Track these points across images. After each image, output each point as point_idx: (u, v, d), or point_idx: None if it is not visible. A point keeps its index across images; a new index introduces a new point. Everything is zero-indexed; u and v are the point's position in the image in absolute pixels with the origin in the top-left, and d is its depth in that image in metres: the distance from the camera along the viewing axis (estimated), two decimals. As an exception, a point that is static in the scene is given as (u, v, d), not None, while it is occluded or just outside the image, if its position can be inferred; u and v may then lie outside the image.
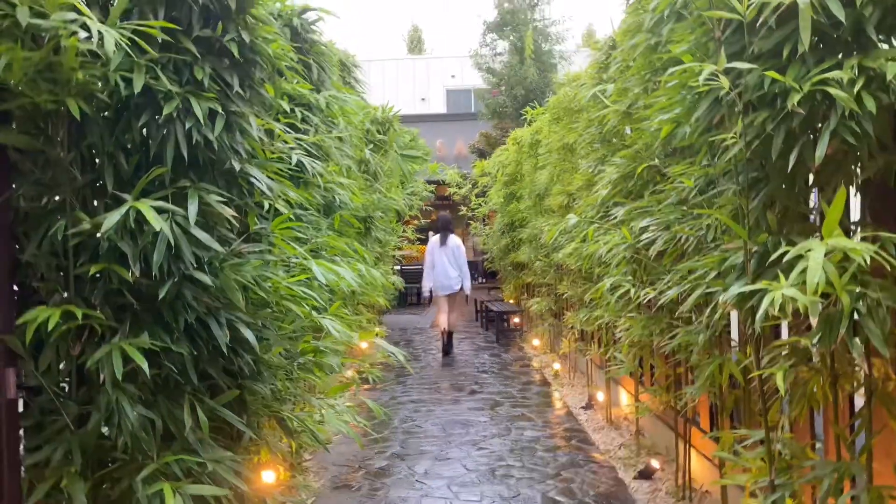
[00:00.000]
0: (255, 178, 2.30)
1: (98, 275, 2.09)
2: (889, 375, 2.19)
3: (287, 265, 2.55)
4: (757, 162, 2.19)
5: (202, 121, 2.07)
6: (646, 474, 4.36)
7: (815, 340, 1.96)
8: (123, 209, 1.96)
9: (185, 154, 2.08)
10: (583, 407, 6.16)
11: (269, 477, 3.30)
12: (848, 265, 1.75)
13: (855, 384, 2.30)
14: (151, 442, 2.17)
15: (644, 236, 3.14)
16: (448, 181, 12.34)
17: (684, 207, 2.96)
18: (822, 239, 1.80)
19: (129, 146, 2.15)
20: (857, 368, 2.21)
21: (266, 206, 2.49)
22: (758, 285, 1.81)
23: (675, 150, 3.18)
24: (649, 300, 3.22)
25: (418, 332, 10.78)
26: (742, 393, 3.03)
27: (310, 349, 2.78)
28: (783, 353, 2.23)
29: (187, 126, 2.07)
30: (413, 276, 14.18)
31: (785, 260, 1.68)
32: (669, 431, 4.65)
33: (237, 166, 2.25)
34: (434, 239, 9.25)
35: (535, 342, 9.01)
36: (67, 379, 2.15)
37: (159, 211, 2.04)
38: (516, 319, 10.38)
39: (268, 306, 2.43)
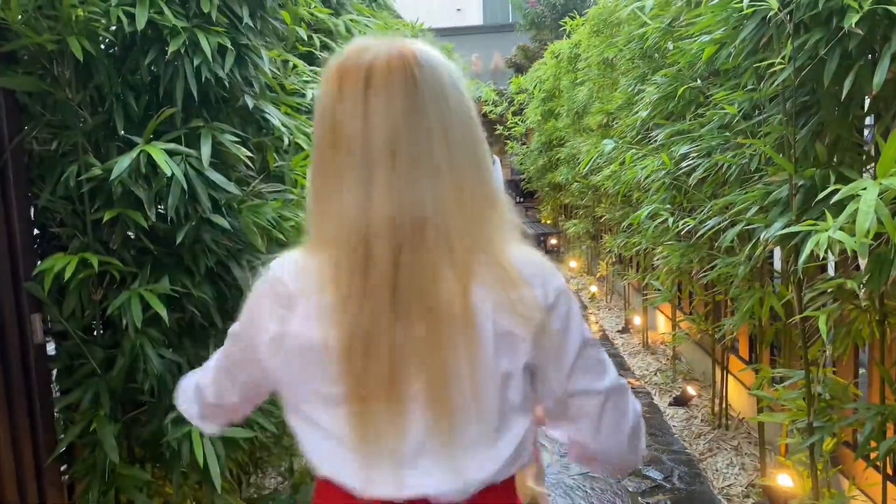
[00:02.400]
0: (270, 114, 2.20)
1: (115, 220, 2.04)
2: (942, 313, 2.06)
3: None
4: (807, 87, 2.02)
5: (210, 57, 1.96)
6: (681, 401, 4.33)
7: (863, 281, 1.83)
8: (134, 153, 1.90)
9: (196, 93, 1.99)
10: (619, 331, 6.11)
11: None
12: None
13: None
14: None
15: (684, 163, 2.98)
16: (484, 99, 12.01)
17: (727, 133, 2.78)
18: (875, 177, 1.66)
19: (137, 86, 2.06)
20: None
21: (286, 141, 2.39)
22: (802, 226, 1.68)
23: (719, 71, 2.97)
24: (688, 229, 3.08)
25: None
26: (783, 326, 2.93)
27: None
28: (827, 291, 2.11)
29: (196, 63, 1.97)
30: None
31: (833, 201, 1.55)
32: (706, 357, 4.58)
33: (251, 103, 2.15)
34: None
35: (573, 264, 8.93)
36: (93, 323, 2.15)
37: (172, 153, 1.97)
38: (553, 241, 10.27)
39: (289, 246, 2.38)
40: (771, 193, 2.07)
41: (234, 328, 1.08)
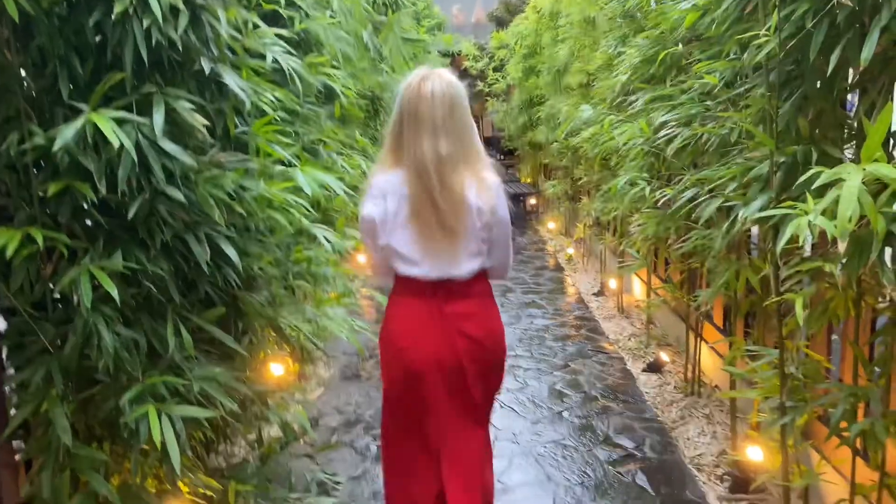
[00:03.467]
0: (227, 79, 2.07)
1: (64, 191, 1.93)
2: (919, 292, 2.02)
3: (270, 173, 2.37)
4: (791, 59, 1.93)
5: (161, 18, 1.83)
6: (654, 367, 4.33)
7: (841, 263, 1.78)
8: (79, 122, 1.78)
9: (146, 56, 1.86)
10: (594, 294, 6.10)
11: (276, 370, 3.30)
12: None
13: (879, 299, 2.15)
14: (136, 362, 2.09)
15: (663, 132, 2.90)
16: (464, 53, 11.77)
17: (708, 102, 2.70)
18: (856, 156, 1.59)
19: (83, 48, 1.92)
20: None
21: (248, 106, 2.27)
22: (782, 209, 1.62)
23: (701, 36, 2.87)
24: (666, 199, 3.02)
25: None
26: (758, 299, 2.89)
27: (303, 258, 2.65)
28: (804, 269, 2.06)
29: (145, 24, 1.84)
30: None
31: (815, 186, 1.48)
32: (681, 323, 4.57)
33: (207, 67, 2.02)
34: None
35: (551, 225, 8.88)
36: (44, 299, 2.05)
37: (122, 121, 1.85)
38: (532, 201, 10.19)
39: (251, 218, 2.27)
40: (751, 169, 2.00)
41: (365, 222, 2.19)
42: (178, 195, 1.97)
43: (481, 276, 2.21)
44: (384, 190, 2.14)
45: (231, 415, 2.41)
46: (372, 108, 5.54)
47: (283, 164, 2.54)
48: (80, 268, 1.89)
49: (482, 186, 2.10)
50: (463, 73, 12.04)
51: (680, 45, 3.07)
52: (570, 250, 7.46)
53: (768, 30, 1.79)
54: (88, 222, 2.01)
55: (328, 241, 2.55)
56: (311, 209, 2.55)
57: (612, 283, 5.91)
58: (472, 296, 2.19)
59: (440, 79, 2.12)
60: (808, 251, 2.11)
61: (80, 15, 1.87)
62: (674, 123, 2.85)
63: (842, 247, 1.69)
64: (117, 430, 2.11)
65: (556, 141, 7.37)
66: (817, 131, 1.94)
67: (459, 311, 2.16)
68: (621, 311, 5.54)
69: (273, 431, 3.50)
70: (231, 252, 2.15)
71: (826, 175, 1.44)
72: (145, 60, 1.87)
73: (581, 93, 5.95)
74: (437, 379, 2.16)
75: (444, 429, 2.20)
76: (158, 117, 1.90)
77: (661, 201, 3.21)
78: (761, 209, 1.90)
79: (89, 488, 2.06)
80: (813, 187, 1.50)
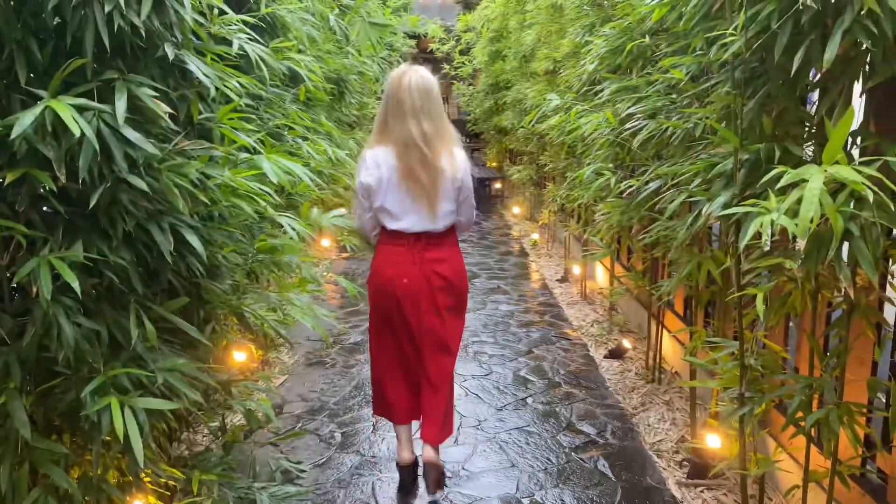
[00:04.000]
0: (192, 65, 2.03)
1: (22, 179, 1.87)
2: (872, 286, 2.09)
3: (235, 161, 2.33)
4: (756, 57, 1.96)
5: (124, 2, 1.78)
6: (617, 353, 4.39)
7: (801, 259, 1.83)
8: (38, 109, 1.73)
9: (108, 41, 1.81)
10: (558, 280, 6.16)
11: (239, 358, 3.27)
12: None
13: (835, 293, 2.21)
14: (97, 354, 2.06)
15: (630, 124, 2.92)
16: (430, 35, 11.68)
17: (673, 95, 2.72)
18: (816, 154, 1.63)
19: (42, 32, 1.87)
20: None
21: (213, 93, 2.23)
22: (744, 208, 1.65)
23: (668, 29, 2.89)
24: (631, 190, 3.05)
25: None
26: (719, 290, 2.95)
27: (267, 247, 2.62)
28: (764, 265, 2.11)
29: (107, 8, 1.79)
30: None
31: (778, 187, 1.51)
32: (642, 310, 4.65)
33: (171, 53, 1.98)
34: None
35: (516, 210, 8.92)
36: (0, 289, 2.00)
37: (82, 109, 1.80)
38: (498, 185, 10.22)
39: (214, 206, 2.24)
40: (715, 165, 2.03)
41: (362, 188, 2.75)
42: (140, 184, 1.93)
43: (451, 230, 2.87)
44: (378, 162, 2.73)
45: (194, 405, 2.39)
46: (337, 90, 5.48)
47: (247, 150, 2.50)
48: (39, 258, 1.84)
49: (454, 159, 2.74)
50: (429, 56, 11.95)
51: (647, 38, 3.10)
52: (535, 236, 7.51)
53: (735, 29, 1.81)
54: (45, 212, 1.96)
55: (293, 229, 2.53)
56: (275, 196, 2.52)
57: (576, 270, 5.97)
58: (445, 245, 2.84)
59: (416, 73, 2.74)
60: (767, 246, 2.16)
61: (38, -2, 1.81)
62: (640, 115, 2.87)
63: (801, 244, 1.73)
64: (78, 423, 2.08)
65: (523, 127, 7.40)
66: (778, 129, 1.98)
67: (435, 257, 2.81)
68: (584, 297, 5.61)
69: (237, 419, 3.48)
70: (195, 242, 2.11)
71: (789, 176, 1.47)
72: (107, 46, 1.82)
73: (547, 80, 5.96)
74: (419, 308, 2.82)
75: (425, 350, 2.87)
76: (120, 104, 1.85)
77: (626, 192, 3.24)
78: (725, 206, 1.93)
79: (49, 481, 2.03)
80: (777, 187, 1.53)
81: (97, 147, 1.76)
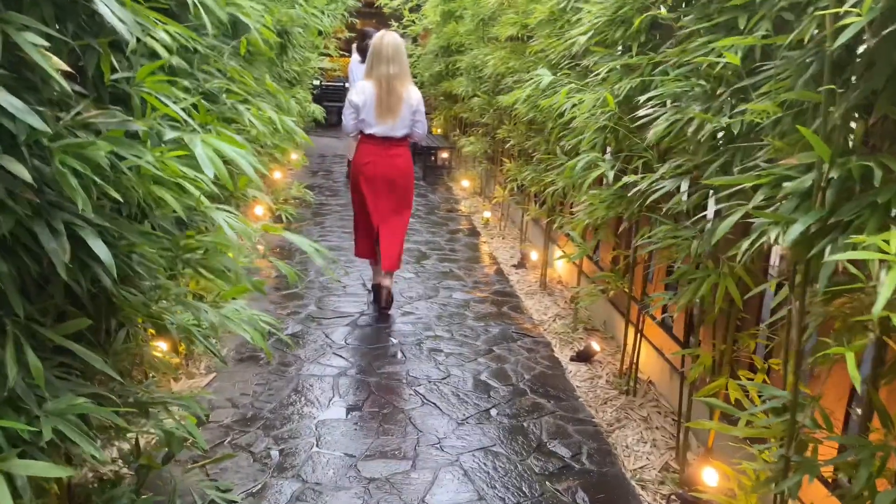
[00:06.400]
0: (101, 5, 1.45)
1: None
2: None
3: (161, 137, 1.77)
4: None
5: None
6: (584, 356, 4.02)
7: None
8: None
9: (-30, -38, 1.23)
10: (514, 265, 5.74)
11: (158, 349, 2.72)
12: None
13: None
14: (-42, 398, 1.50)
15: (643, 112, 2.47)
16: (378, -11, 10.93)
17: (702, 82, 2.28)
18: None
19: None
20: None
21: (133, 44, 1.65)
22: (864, 253, 1.22)
23: (694, 2, 2.45)
24: (638, 189, 2.62)
25: (338, 161, 9.98)
26: (731, 308, 2.58)
27: (194, 246, 2.07)
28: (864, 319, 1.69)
29: (-31, -89, 1.21)
30: (334, 94, 13.10)
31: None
32: (609, 305, 4.29)
33: (71, -14, 1.40)
34: (357, 61, 8.17)
35: (465, 183, 8.43)
36: None
37: (-71, 59, 1.23)
38: (444, 155, 9.70)
39: (128, 195, 1.67)
40: (784, 179, 1.60)
41: (352, 104, 4.42)
42: (21, 171, 1.36)
43: (407, 137, 4.50)
44: (364, 89, 4.41)
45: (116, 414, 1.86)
46: (280, 45, 4.84)
47: (175, 121, 1.93)
48: None
49: (410, 92, 4.43)
50: (375, 11, 11.22)
51: (662, 9, 2.64)
52: (488, 214, 7.06)
53: (855, 6, 1.37)
54: None
55: (232, 227, 1.98)
56: (210, 184, 1.96)
57: (534, 256, 5.57)
58: (401, 147, 4.50)
59: (390, 35, 4.46)
60: (883, 303, 1.75)
61: None
62: (655, 103, 2.43)
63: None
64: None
65: (478, 95, 6.89)
66: (872, 139, 1.56)
67: (395, 153, 4.47)
68: (544, 287, 5.22)
69: (152, 441, 2.94)
70: (101, 249, 1.56)
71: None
72: (-32, -32, 1.24)
73: (513, 47, 5.46)
74: (382, 184, 4.48)
75: (385, 213, 4.53)
76: (-9, 56, 1.28)
77: (617, 185, 2.81)
78: (803, 234, 1.51)
79: None
80: (873, 198, 1.10)
81: (-52, 120, 1.19)
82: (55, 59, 1.37)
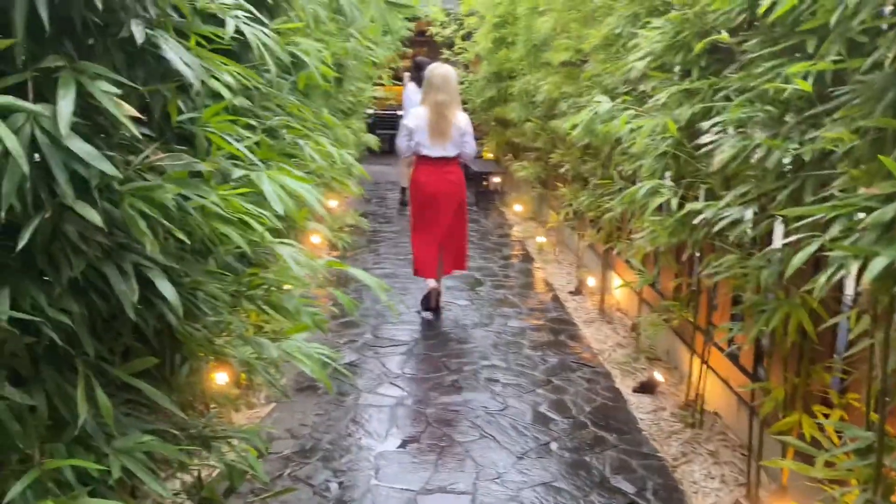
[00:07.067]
0: (168, 51, 1.48)
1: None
2: None
3: (226, 175, 1.79)
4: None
5: (70, -40, 1.24)
6: (647, 388, 3.91)
7: None
8: (-61, 110, 1.19)
9: (47, 16, 1.27)
10: (571, 292, 5.66)
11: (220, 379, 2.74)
12: None
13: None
14: (31, 436, 1.53)
15: (706, 138, 2.41)
16: (431, 18, 11.05)
17: (768, 107, 2.22)
18: None
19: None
20: None
21: (198, 87, 1.68)
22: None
23: (753, 24, 2.39)
24: (702, 218, 2.54)
25: (391, 188, 10.06)
26: (803, 339, 2.47)
27: (258, 282, 2.09)
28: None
29: (47, -31, 1.25)
30: (387, 122, 13.25)
31: None
32: (672, 335, 4.17)
33: (140, 34, 1.44)
34: (412, 90, 8.30)
35: (517, 208, 8.39)
36: None
37: (9, 110, 1.27)
38: (497, 179, 9.68)
39: (193, 236, 1.69)
40: (870, 211, 1.53)
41: (406, 128, 5.08)
42: (92, 215, 1.39)
43: (458, 157, 5.05)
44: (417, 115, 5.02)
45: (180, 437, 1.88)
46: (336, 77, 4.92)
47: (239, 158, 1.96)
48: (-58, 319, 1.31)
49: (459, 116, 4.99)
50: (427, 40, 11.34)
51: (724, 33, 2.58)
52: (541, 239, 7.00)
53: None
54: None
55: (297, 262, 1.99)
56: (275, 220, 1.98)
57: (591, 282, 5.48)
58: (453, 164, 5.05)
59: (442, 67, 5.12)
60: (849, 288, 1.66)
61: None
62: (719, 129, 2.37)
63: None
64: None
65: (531, 120, 6.87)
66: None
67: (448, 170, 5.03)
68: (602, 313, 5.12)
69: (215, 472, 2.96)
70: (167, 289, 1.58)
71: None
72: (45, 22, 1.27)
73: (567, 72, 5.43)
74: (441, 200, 5.00)
75: (446, 222, 5.04)
76: (65, 105, 1.31)
77: (696, 218, 2.73)
78: (889, 266, 1.43)
79: None
80: None
81: (26, 169, 1.22)
82: (125, 105, 1.40)
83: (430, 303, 5.11)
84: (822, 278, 1.61)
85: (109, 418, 1.59)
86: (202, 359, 2.31)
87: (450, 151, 4.94)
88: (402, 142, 5.04)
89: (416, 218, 5.14)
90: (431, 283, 5.10)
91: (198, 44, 1.72)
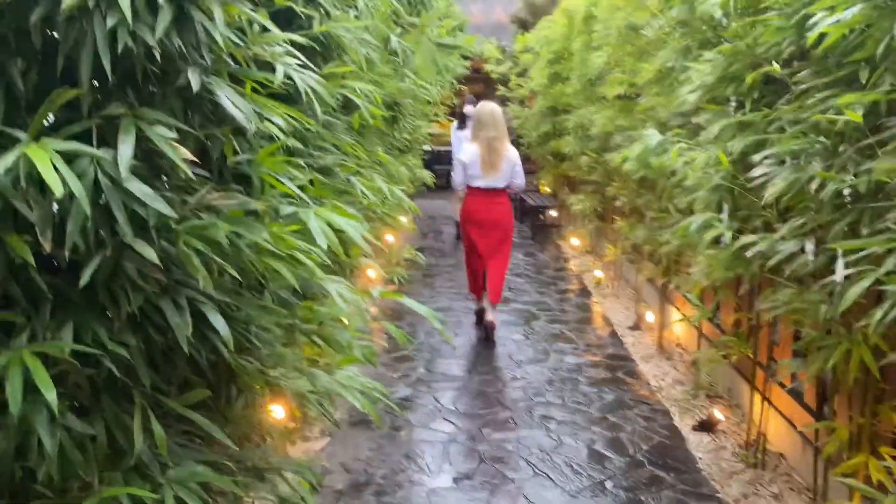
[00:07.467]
0: (223, 97, 1.56)
1: (-2, 243, 1.43)
2: None
3: (277, 213, 1.86)
4: None
5: (131, 15, 1.32)
6: (707, 426, 3.80)
7: None
8: (12, 156, 1.28)
9: (110, 67, 1.36)
10: (629, 327, 5.57)
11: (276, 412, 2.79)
12: None
13: None
14: (91, 464, 1.60)
15: (759, 171, 2.38)
16: (485, 55, 11.20)
17: (821, 139, 2.17)
18: None
19: (24, 54, 1.42)
20: None
21: (252, 131, 1.76)
22: None
23: (805, 55, 2.36)
24: (756, 251, 2.49)
25: (447, 223, 10.14)
26: (867, 377, 2.37)
27: (311, 317, 2.15)
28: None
29: (110, 23, 1.34)
30: (443, 158, 13.40)
31: None
32: (732, 371, 4.06)
33: (196, 81, 1.52)
34: (455, 128, 8.67)
35: (574, 241, 8.34)
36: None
37: (73, 156, 1.35)
38: (553, 213, 9.65)
39: (246, 273, 1.75)
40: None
41: (460, 162, 5.53)
42: (150, 253, 1.47)
43: (507, 188, 5.41)
44: (470, 150, 5.37)
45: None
46: (391, 116, 5.03)
47: (290, 197, 2.03)
48: (11, 352, 1.39)
49: (509, 150, 5.38)
50: (482, 77, 11.47)
51: (775, 64, 2.55)
52: (599, 273, 6.92)
53: None
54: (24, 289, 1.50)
55: (343, 298, 2.03)
56: (324, 256, 2.04)
57: (649, 317, 5.39)
58: (502, 195, 5.42)
59: (489, 105, 5.54)
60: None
61: (21, 8, 1.37)
62: (771, 161, 2.33)
63: None
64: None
65: (586, 153, 6.85)
66: None
67: (497, 201, 5.39)
68: (661, 349, 5.02)
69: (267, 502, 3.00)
70: (219, 323, 1.64)
71: None
72: (108, 73, 1.36)
73: (621, 106, 5.42)
74: (488, 228, 5.37)
75: (491, 249, 5.38)
76: (125, 149, 1.39)
77: (749, 251, 2.68)
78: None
79: None
80: None
81: (88, 211, 1.30)
82: (181, 149, 1.48)
83: (485, 331, 5.43)
84: (879, 313, 1.56)
85: (164, 448, 1.64)
86: (257, 391, 2.37)
87: (499, 183, 5.32)
88: (457, 176, 5.49)
89: (465, 245, 5.64)
90: (489, 316, 5.36)
91: (253, 90, 1.81)
